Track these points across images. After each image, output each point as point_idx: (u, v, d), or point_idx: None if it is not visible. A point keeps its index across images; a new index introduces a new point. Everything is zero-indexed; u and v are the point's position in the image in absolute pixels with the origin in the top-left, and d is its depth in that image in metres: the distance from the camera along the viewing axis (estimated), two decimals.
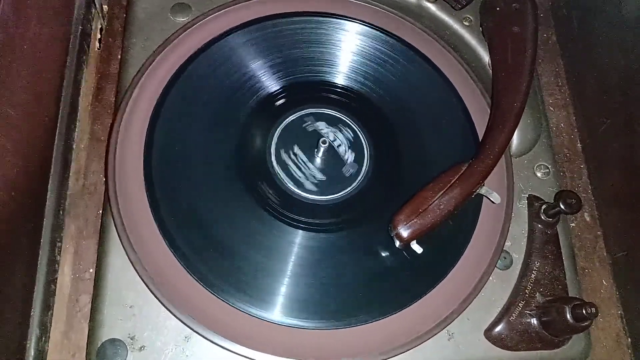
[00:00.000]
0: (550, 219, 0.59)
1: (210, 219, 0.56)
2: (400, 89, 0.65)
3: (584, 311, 0.52)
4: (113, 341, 0.51)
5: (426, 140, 0.64)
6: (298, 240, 0.57)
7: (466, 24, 0.70)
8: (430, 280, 0.56)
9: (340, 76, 0.66)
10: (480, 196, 0.58)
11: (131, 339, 0.52)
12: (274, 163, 0.61)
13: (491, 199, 0.57)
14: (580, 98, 0.76)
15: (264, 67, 0.64)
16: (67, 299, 0.59)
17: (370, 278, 0.56)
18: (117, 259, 0.54)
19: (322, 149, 0.60)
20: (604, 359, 0.64)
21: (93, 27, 0.72)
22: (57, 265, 0.60)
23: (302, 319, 0.53)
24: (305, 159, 0.61)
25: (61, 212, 0.62)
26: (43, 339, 0.56)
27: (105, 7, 0.74)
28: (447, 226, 0.56)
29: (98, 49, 0.72)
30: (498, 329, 0.56)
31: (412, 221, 0.53)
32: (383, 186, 0.61)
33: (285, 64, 0.65)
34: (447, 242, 0.58)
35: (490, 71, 0.65)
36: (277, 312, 0.53)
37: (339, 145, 0.62)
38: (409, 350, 0.53)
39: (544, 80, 0.78)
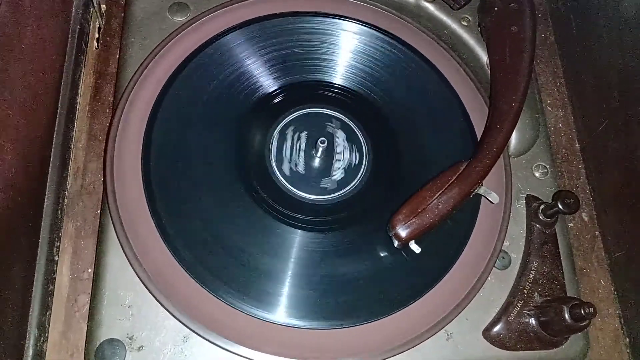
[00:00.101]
0: (549, 219, 0.59)
1: (209, 219, 0.56)
2: (398, 89, 0.65)
3: (582, 311, 0.52)
4: (111, 341, 0.51)
5: (425, 140, 0.64)
6: (297, 240, 0.57)
7: (464, 23, 0.70)
8: (429, 280, 0.56)
9: (339, 76, 0.65)
10: (479, 196, 0.58)
11: (130, 339, 0.52)
12: (273, 162, 0.61)
13: (489, 199, 0.57)
14: (578, 98, 0.76)
15: (261, 66, 0.64)
16: (66, 299, 0.59)
17: (369, 278, 0.56)
18: (116, 259, 0.54)
19: (320, 149, 0.60)
20: (603, 358, 0.64)
21: (91, 27, 0.72)
22: (55, 265, 0.60)
23: (301, 319, 0.53)
24: (304, 158, 0.61)
25: (59, 212, 0.62)
26: (41, 339, 0.56)
27: (103, 6, 0.74)
28: (446, 226, 0.56)
29: (96, 48, 0.72)
30: (496, 328, 0.56)
31: (411, 221, 0.53)
32: (382, 186, 0.61)
33: (283, 63, 0.65)
34: (446, 242, 0.58)
35: (489, 71, 0.65)
36: (276, 312, 0.53)
37: (339, 152, 0.62)
38: (407, 350, 0.53)
39: (542, 80, 0.78)
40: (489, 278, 0.57)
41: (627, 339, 0.65)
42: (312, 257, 0.56)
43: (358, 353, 0.53)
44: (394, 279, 0.57)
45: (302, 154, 0.61)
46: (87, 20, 0.71)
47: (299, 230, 0.57)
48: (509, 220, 0.60)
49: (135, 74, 0.61)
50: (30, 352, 0.55)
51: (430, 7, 0.71)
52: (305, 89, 0.65)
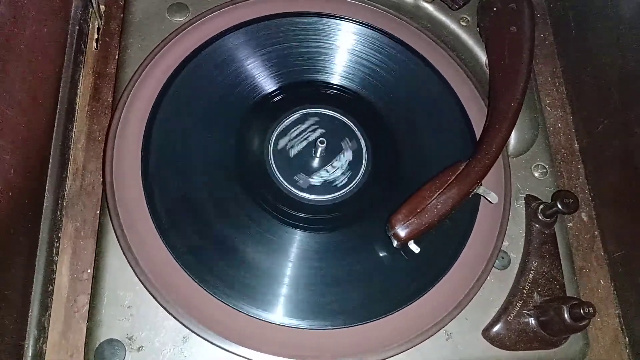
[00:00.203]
0: (548, 219, 0.59)
1: (208, 219, 0.56)
2: (397, 89, 0.66)
3: (581, 311, 0.52)
4: (111, 341, 0.51)
5: (424, 140, 0.64)
6: (296, 240, 0.57)
7: (463, 24, 0.70)
8: (428, 280, 0.56)
9: (338, 76, 0.66)
10: (478, 196, 0.58)
11: (129, 339, 0.52)
12: (273, 162, 0.61)
13: (489, 198, 0.57)
14: (577, 98, 0.76)
15: (260, 67, 0.64)
16: (65, 299, 0.59)
17: (368, 278, 0.56)
18: (115, 259, 0.54)
19: (320, 149, 0.60)
20: (602, 358, 0.64)
21: (90, 27, 0.72)
22: (55, 266, 0.60)
23: (300, 319, 0.53)
24: (303, 158, 0.61)
25: (59, 212, 0.62)
26: (41, 339, 0.56)
27: (102, 6, 0.74)
28: (445, 226, 0.56)
29: (95, 48, 0.72)
30: (496, 328, 0.56)
31: (410, 221, 0.53)
32: (381, 186, 0.61)
33: (283, 64, 0.65)
34: (445, 241, 0.58)
35: (488, 71, 0.65)
36: (275, 312, 0.53)
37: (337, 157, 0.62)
38: (407, 349, 0.53)
39: (541, 80, 0.78)
40: (488, 278, 0.57)
41: (627, 339, 0.65)
42: (312, 257, 0.56)
43: (358, 353, 0.53)
44: (393, 279, 0.57)
45: (302, 153, 0.61)
46: (87, 20, 0.71)
47: (299, 230, 0.57)
48: (509, 220, 0.60)
49: (134, 74, 0.61)
50: (30, 353, 0.55)
51: (429, 7, 0.71)
52: (304, 89, 0.65)
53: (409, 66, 0.66)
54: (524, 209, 0.61)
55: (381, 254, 0.57)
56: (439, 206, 0.54)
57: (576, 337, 0.57)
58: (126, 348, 0.51)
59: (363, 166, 0.62)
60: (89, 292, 0.56)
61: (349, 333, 0.53)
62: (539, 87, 0.75)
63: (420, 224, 0.53)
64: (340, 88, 0.65)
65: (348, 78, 0.65)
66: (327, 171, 0.61)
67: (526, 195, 0.62)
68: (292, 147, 0.61)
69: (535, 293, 0.57)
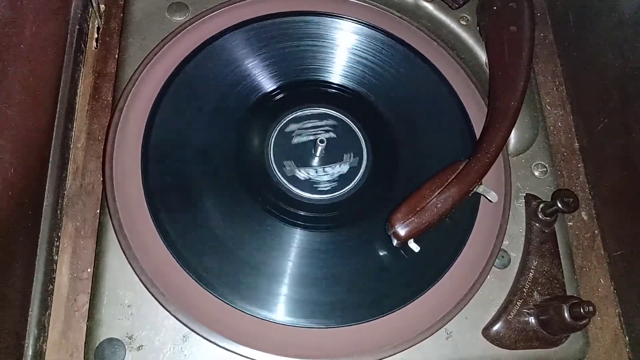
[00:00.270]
0: (548, 218, 0.59)
1: (207, 218, 0.56)
2: (397, 88, 0.66)
3: (581, 310, 0.52)
4: (111, 340, 0.51)
5: (424, 139, 0.64)
6: (296, 239, 0.57)
7: (463, 23, 0.70)
8: (428, 279, 0.56)
9: (338, 75, 0.66)
10: (478, 195, 0.58)
11: (129, 338, 0.52)
12: (273, 161, 0.61)
13: (488, 197, 0.57)
14: (577, 97, 0.76)
15: (260, 66, 0.64)
16: (65, 298, 0.59)
17: (368, 277, 0.56)
18: (115, 259, 0.54)
19: (319, 148, 0.60)
20: (602, 357, 0.64)
21: (90, 26, 0.72)
22: (55, 265, 0.60)
23: (300, 318, 0.53)
24: (301, 150, 0.61)
25: (59, 212, 0.62)
26: (41, 338, 0.56)
27: (102, 6, 0.74)
28: (445, 225, 0.56)
29: (95, 48, 0.72)
30: (496, 327, 0.56)
31: (410, 220, 0.53)
32: (381, 185, 0.61)
33: (283, 63, 0.65)
34: (445, 240, 0.58)
35: (488, 70, 0.65)
36: (275, 310, 0.53)
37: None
38: (407, 348, 0.53)
39: (541, 79, 0.78)
40: (488, 277, 0.57)
41: (627, 338, 0.65)
42: (312, 256, 0.56)
43: (358, 352, 0.53)
44: (393, 278, 0.57)
45: (303, 145, 0.61)
46: (86, 20, 0.71)
47: (299, 229, 0.57)
48: (509, 219, 0.60)
49: (134, 73, 0.61)
50: (30, 352, 0.55)
51: (429, 7, 0.71)
52: (304, 88, 0.65)
53: (408, 65, 0.66)
54: (524, 208, 0.61)
55: (381, 253, 0.57)
56: (438, 205, 0.54)
57: (576, 336, 0.57)
58: (126, 347, 0.51)
59: (363, 165, 0.62)
60: (89, 292, 0.56)
61: (349, 332, 0.53)
62: (539, 86, 0.75)
63: (420, 223, 0.53)
64: (340, 87, 0.65)
65: (347, 77, 0.65)
66: (317, 172, 0.61)
67: (526, 194, 0.62)
68: (298, 135, 0.61)
69: (536, 292, 0.57)
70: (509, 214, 0.60)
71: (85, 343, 0.53)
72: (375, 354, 0.53)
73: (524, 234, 0.60)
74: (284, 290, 0.54)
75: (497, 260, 0.58)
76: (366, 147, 0.63)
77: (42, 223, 0.58)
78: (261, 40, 0.65)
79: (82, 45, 0.69)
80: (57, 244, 0.61)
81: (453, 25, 0.70)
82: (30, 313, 0.55)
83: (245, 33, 0.65)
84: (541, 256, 0.59)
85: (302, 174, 0.60)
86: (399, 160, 0.62)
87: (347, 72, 0.66)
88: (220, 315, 0.52)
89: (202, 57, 0.63)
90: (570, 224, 0.70)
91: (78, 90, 0.68)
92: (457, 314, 0.55)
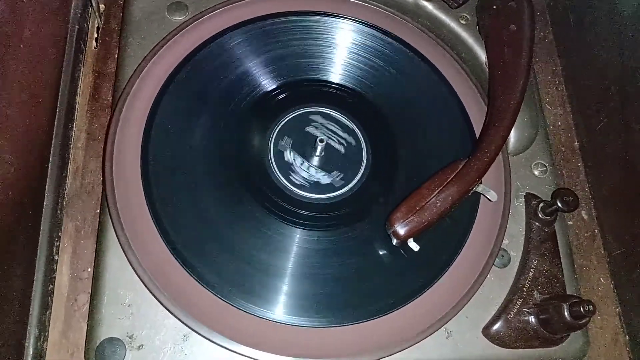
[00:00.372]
0: (548, 217, 0.59)
1: (208, 217, 0.56)
2: (397, 87, 0.66)
3: (581, 309, 0.52)
4: (111, 340, 0.51)
5: (423, 139, 0.64)
6: (297, 238, 0.57)
7: (463, 22, 0.70)
8: (428, 278, 0.56)
9: (337, 75, 0.66)
10: (478, 194, 0.58)
11: (129, 337, 0.52)
12: (273, 160, 0.61)
13: (488, 197, 0.57)
14: (577, 96, 0.76)
15: (260, 65, 0.64)
16: (66, 298, 0.59)
17: (368, 276, 0.56)
18: (115, 258, 0.54)
19: (319, 148, 0.60)
20: (602, 356, 0.64)
21: (90, 26, 0.72)
22: (55, 265, 0.60)
23: (300, 317, 0.53)
24: (303, 158, 0.61)
25: (59, 211, 0.62)
26: (41, 338, 0.56)
27: (102, 6, 0.74)
28: (445, 224, 0.56)
29: (95, 47, 0.72)
30: (496, 327, 0.56)
31: (409, 219, 0.53)
32: (381, 184, 0.61)
33: (282, 62, 0.65)
34: (445, 240, 0.58)
35: (487, 69, 0.65)
36: (276, 310, 0.53)
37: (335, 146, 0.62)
38: (407, 348, 0.53)
39: (541, 78, 0.78)
40: (488, 276, 0.57)
41: (627, 337, 0.65)
42: (312, 255, 0.56)
43: (358, 351, 0.53)
44: (393, 277, 0.57)
45: (308, 164, 0.61)
46: (86, 20, 0.71)
47: (299, 229, 0.57)
48: (508, 218, 0.60)
49: (134, 73, 0.61)
50: (30, 352, 0.55)
51: (429, 6, 0.71)
52: (304, 87, 0.65)
53: (408, 64, 0.66)
54: (523, 207, 0.61)
55: (381, 252, 0.57)
56: (438, 204, 0.54)
57: (576, 335, 0.57)
58: (126, 347, 0.51)
59: (363, 165, 0.62)
60: (90, 291, 0.56)
61: (349, 331, 0.53)
62: (538, 85, 0.75)
63: (419, 222, 0.53)
64: (340, 86, 0.65)
65: (347, 77, 0.65)
66: (302, 163, 0.61)
67: (526, 193, 0.62)
68: (315, 127, 0.62)
69: (536, 291, 0.57)
70: (508, 213, 0.60)
71: (85, 342, 0.53)
72: (375, 354, 0.53)
73: (524, 233, 0.60)
74: (285, 289, 0.54)
75: (497, 259, 0.58)
76: (366, 147, 0.63)
77: (42, 223, 0.58)
78: (261, 40, 0.65)
79: (82, 45, 0.69)
80: (57, 243, 0.61)
81: (453, 25, 0.70)
82: (30, 313, 0.55)
83: (244, 33, 0.65)
84: (541, 255, 0.59)
85: (289, 156, 0.61)
86: (398, 159, 0.62)
87: (347, 71, 0.66)
88: (220, 314, 0.52)
89: (202, 57, 0.63)
90: (570, 223, 0.70)
91: (78, 90, 0.68)
92: (457, 313, 0.55)
